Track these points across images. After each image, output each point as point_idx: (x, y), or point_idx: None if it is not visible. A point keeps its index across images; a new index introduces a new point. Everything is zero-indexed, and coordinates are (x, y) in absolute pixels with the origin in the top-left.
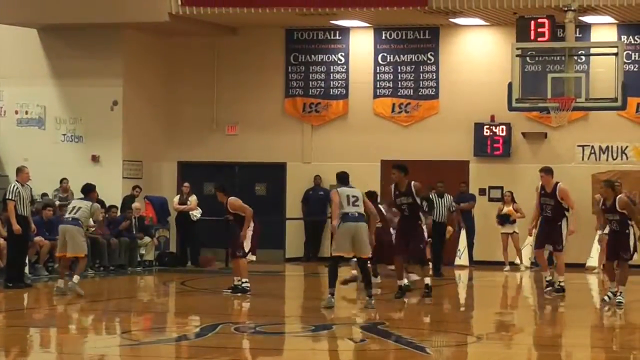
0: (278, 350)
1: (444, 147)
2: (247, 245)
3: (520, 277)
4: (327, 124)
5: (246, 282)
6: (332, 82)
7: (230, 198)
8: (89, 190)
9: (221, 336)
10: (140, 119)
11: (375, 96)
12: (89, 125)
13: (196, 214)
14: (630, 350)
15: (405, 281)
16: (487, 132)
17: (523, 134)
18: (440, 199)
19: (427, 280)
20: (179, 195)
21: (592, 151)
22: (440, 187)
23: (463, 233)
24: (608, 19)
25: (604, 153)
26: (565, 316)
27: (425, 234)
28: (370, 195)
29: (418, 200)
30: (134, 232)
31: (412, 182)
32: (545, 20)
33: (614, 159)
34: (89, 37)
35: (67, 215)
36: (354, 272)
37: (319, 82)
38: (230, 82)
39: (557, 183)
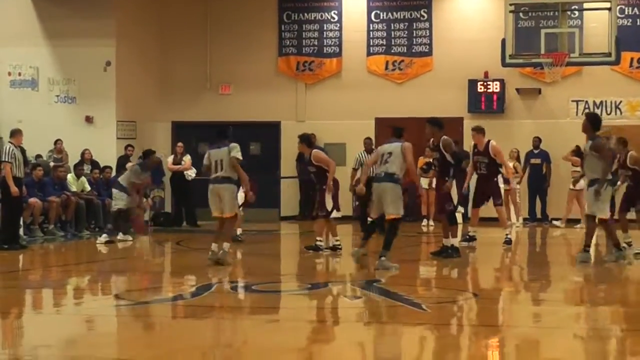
0: (274, 308)
1: (438, 104)
2: (329, 204)
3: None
4: (321, 82)
5: (321, 240)
6: (325, 40)
7: (314, 150)
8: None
9: (217, 295)
10: (134, 80)
11: (369, 54)
12: (82, 86)
13: (191, 173)
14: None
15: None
16: (480, 89)
17: (517, 89)
18: (369, 155)
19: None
20: (173, 155)
21: (586, 106)
22: (368, 142)
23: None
24: None
25: (598, 108)
26: (558, 271)
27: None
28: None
29: (447, 157)
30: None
31: (443, 137)
32: None
33: (608, 114)
34: None
35: (215, 174)
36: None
37: (313, 40)
38: (223, 41)
39: (489, 141)
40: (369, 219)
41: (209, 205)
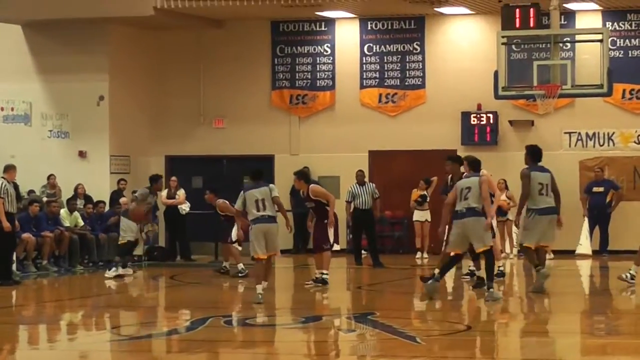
0: (268, 342)
1: (432, 137)
2: (331, 236)
3: (510, 265)
4: (315, 115)
5: (327, 274)
6: (318, 74)
7: (312, 185)
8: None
9: (211, 329)
10: (127, 114)
11: (362, 87)
12: (75, 120)
13: (185, 207)
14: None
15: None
16: (474, 121)
17: (510, 122)
18: (361, 187)
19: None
20: (167, 190)
21: (579, 138)
22: (360, 175)
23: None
24: (593, 5)
25: (590, 139)
26: (555, 303)
27: None
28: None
29: None
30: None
31: (464, 174)
32: (530, 8)
33: (600, 145)
34: (74, 33)
35: (260, 214)
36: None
37: (306, 73)
38: (216, 75)
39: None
40: (451, 254)
41: (253, 246)
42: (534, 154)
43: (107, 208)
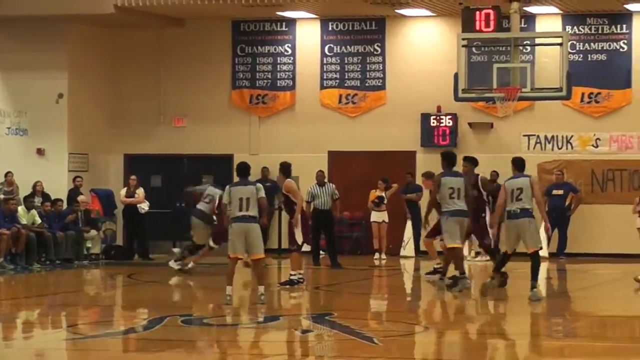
0: (225, 342)
1: (391, 138)
2: (299, 237)
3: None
4: (275, 115)
5: (300, 274)
6: (279, 74)
7: (287, 180)
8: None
9: (168, 328)
10: (86, 112)
11: (322, 87)
12: (34, 118)
13: (144, 206)
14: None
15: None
16: (433, 123)
17: (469, 124)
18: (321, 188)
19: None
20: (125, 188)
21: (538, 141)
22: (320, 175)
23: (409, 224)
24: (553, 9)
25: (549, 142)
26: (513, 305)
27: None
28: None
29: (484, 194)
30: (80, 226)
31: (480, 176)
32: (491, 11)
33: (559, 149)
34: (34, 30)
35: (241, 213)
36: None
37: (266, 73)
38: (176, 74)
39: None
40: (502, 252)
41: (230, 244)
42: (447, 160)
43: (65, 206)
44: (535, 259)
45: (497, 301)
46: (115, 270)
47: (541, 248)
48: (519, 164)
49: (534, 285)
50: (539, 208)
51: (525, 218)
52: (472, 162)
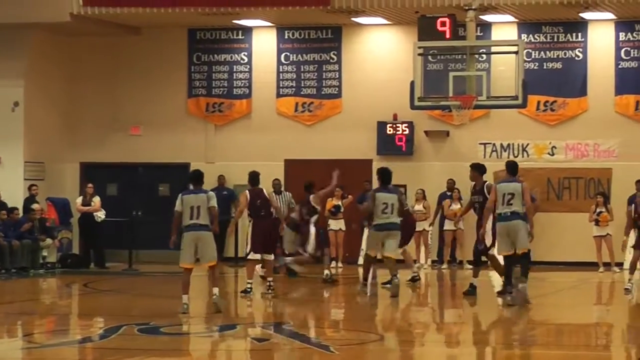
0: (182, 351)
1: (347, 146)
2: (247, 246)
3: (425, 275)
4: (231, 123)
5: (249, 282)
6: (235, 82)
7: (248, 189)
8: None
9: (125, 337)
10: (42, 120)
11: (279, 95)
12: None
13: (100, 215)
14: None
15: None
16: (390, 131)
17: (425, 132)
18: (278, 196)
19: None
20: (82, 197)
21: (494, 149)
22: (276, 184)
23: (366, 232)
24: (509, 17)
25: (505, 150)
26: (470, 314)
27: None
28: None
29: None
30: (36, 234)
31: (486, 183)
32: (447, 19)
33: (515, 156)
34: None
35: (192, 221)
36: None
37: (222, 81)
38: (133, 82)
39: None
40: (502, 256)
41: (182, 254)
42: (382, 177)
43: (21, 214)
44: (526, 260)
45: (456, 309)
46: (71, 279)
47: (529, 249)
48: (512, 168)
49: (522, 281)
50: (528, 215)
51: (518, 220)
52: (478, 169)
